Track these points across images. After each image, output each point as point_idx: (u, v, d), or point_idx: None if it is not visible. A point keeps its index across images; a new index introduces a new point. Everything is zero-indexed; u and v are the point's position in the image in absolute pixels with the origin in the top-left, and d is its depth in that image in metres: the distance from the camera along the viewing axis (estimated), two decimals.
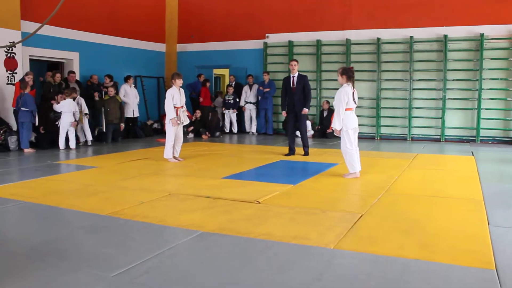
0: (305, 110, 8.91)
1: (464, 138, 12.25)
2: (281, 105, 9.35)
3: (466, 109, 12.18)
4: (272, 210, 4.76)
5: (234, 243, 3.73)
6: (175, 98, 8.16)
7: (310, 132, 10.18)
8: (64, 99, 10.06)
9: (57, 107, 10.05)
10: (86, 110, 10.76)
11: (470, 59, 12.05)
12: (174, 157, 8.25)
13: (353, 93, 6.83)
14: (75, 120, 10.15)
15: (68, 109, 10.00)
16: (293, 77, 8.92)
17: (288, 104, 8.97)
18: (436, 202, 5.25)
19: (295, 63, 8.95)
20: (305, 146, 9.06)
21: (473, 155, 9.37)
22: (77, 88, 11.24)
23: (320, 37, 13.48)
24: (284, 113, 9.19)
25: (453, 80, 12.18)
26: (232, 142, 12.19)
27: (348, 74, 6.82)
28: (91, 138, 10.89)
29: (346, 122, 6.76)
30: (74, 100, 10.35)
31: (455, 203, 5.17)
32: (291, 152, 9.07)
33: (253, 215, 4.59)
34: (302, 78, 8.93)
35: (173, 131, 8.16)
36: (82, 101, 10.75)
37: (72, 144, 10.04)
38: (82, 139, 10.85)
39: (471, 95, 12.10)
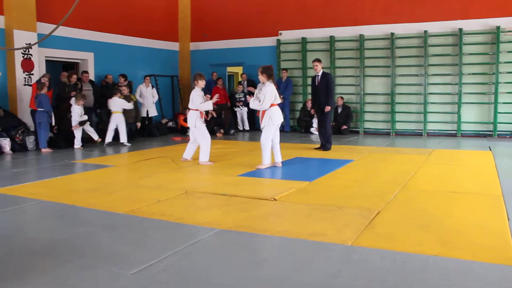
0: (327, 108, 9.20)
1: (481, 132, 12.11)
2: (311, 103, 9.96)
3: (483, 103, 12.03)
4: (288, 207, 4.76)
5: (251, 241, 3.73)
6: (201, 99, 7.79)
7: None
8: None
9: (73, 108, 10.17)
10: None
11: (486, 52, 11.90)
12: (185, 158, 8.03)
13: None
14: (78, 124, 10.19)
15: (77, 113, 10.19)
16: (318, 75, 9.25)
17: (315, 102, 9.40)
18: (454, 197, 5.20)
19: (317, 63, 9.22)
20: (328, 142, 9.28)
21: (490, 150, 9.27)
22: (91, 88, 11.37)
23: (334, 33, 13.42)
24: (312, 111, 9.72)
25: (469, 74, 12.03)
26: (246, 140, 12.20)
27: (268, 72, 7.24)
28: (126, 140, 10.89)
29: (273, 117, 7.20)
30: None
31: (474, 199, 5.12)
32: (322, 147, 9.44)
33: (269, 212, 4.59)
34: (325, 76, 9.27)
35: (207, 131, 7.85)
36: (120, 102, 10.72)
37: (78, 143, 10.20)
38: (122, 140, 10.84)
39: (488, 89, 11.95)
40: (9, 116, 10.08)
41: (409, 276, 2.97)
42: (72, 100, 10.20)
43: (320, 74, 9.22)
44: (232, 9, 14.93)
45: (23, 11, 10.34)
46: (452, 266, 3.13)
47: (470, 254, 3.32)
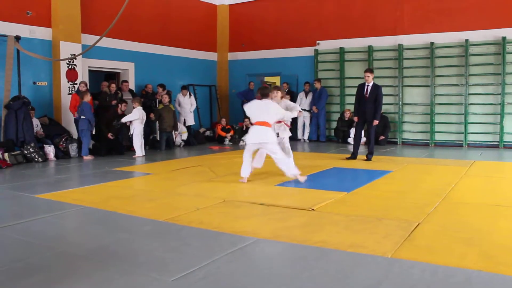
0: (375, 122, 9.15)
1: None
2: (354, 111, 9.67)
3: None
4: (326, 218, 4.74)
5: (290, 251, 3.74)
6: None
7: (362, 139, 10.17)
8: (134, 107, 10.37)
9: (130, 116, 10.30)
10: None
11: None
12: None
13: None
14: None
15: (139, 117, 10.34)
16: (368, 86, 9.15)
17: (359, 111, 9.24)
18: (498, 211, 5.05)
19: (369, 74, 9.16)
20: (370, 153, 9.23)
21: None
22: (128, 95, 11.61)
23: (372, 43, 13.30)
24: (356, 118, 9.44)
25: None
26: None
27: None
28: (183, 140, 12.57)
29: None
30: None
31: None
32: (353, 156, 9.34)
33: (307, 222, 4.58)
34: (376, 88, 9.15)
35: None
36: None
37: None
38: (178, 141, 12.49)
39: None
40: (54, 124, 10.44)
41: None
42: (132, 114, 10.33)
43: (370, 84, 9.12)
44: (270, 19, 15.03)
45: (69, 23, 10.73)
46: (497, 281, 3.04)
47: None
